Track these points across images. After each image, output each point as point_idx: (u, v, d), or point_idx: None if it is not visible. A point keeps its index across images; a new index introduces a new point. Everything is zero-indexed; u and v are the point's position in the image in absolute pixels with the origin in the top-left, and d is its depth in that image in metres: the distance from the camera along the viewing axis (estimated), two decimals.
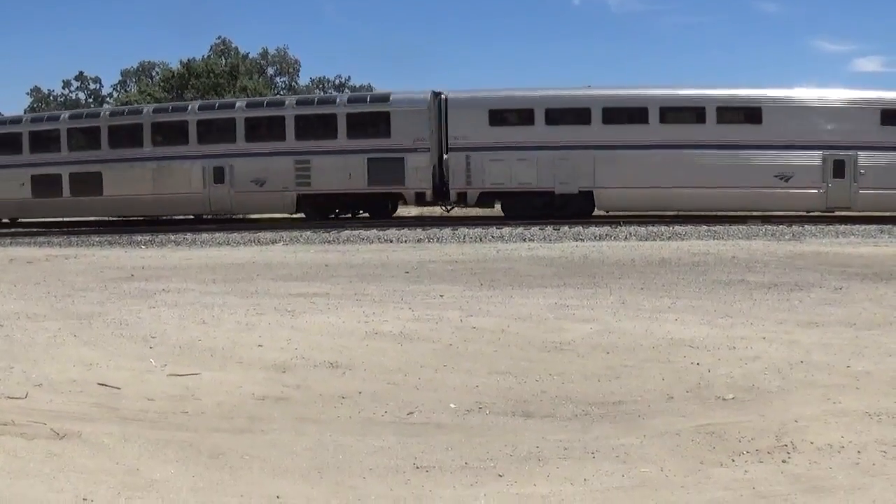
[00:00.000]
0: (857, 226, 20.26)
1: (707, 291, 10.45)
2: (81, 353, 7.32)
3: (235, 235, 20.96)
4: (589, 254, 15.49)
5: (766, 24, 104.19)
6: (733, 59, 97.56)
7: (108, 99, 70.04)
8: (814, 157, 22.07)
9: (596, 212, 23.74)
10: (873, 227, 20.00)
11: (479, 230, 20.38)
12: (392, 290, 10.96)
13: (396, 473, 4.53)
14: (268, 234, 20.84)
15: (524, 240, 18.83)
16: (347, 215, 25.65)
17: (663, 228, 19.94)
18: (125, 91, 68.17)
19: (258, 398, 5.96)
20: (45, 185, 26.54)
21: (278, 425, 5.35)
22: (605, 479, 4.39)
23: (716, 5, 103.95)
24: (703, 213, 24.02)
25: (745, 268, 12.91)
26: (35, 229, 26.03)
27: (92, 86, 72.95)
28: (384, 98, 24.91)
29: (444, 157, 23.93)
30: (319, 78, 69.82)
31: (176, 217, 28.17)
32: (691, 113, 22.85)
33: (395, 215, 26.20)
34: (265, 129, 25.28)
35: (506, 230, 20.25)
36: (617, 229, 20.00)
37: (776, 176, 22.14)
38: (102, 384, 6.29)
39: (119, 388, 6.19)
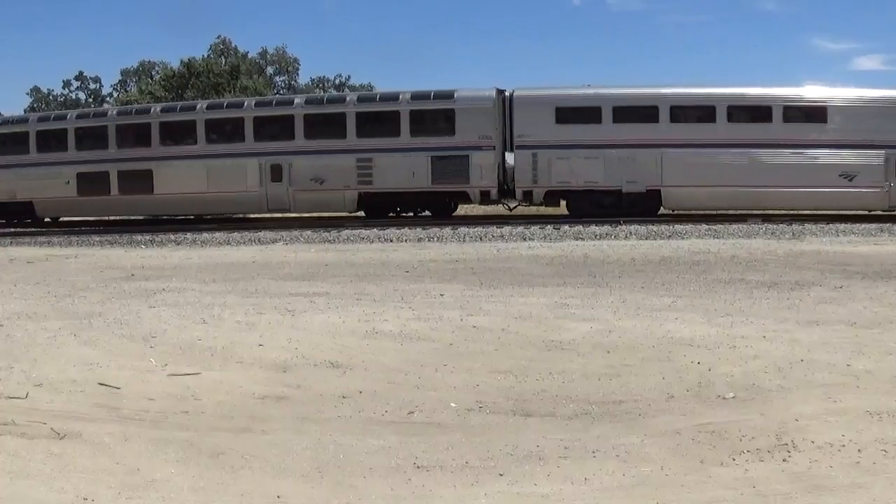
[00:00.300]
0: (858, 224, 20.23)
1: (707, 290, 10.45)
2: (82, 353, 7.32)
3: (236, 235, 20.96)
4: (589, 253, 15.49)
5: (766, 23, 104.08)
6: (733, 58, 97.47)
7: (108, 99, 70.02)
8: (877, 157, 21.95)
9: (662, 211, 23.38)
10: (873, 225, 19.98)
11: (479, 229, 20.38)
12: (392, 289, 10.96)
13: (397, 473, 4.53)
14: (268, 234, 20.84)
15: (524, 239, 18.83)
16: (409, 214, 25.15)
17: (663, 227, 19.93)
18: (125, 91, 68.16)
19: (258, 398, 5.96)
20: (91, 183, 25.86)
21: (279, 425, 5.35)
22: (606, 478, 4.39)
23: (715, 4, 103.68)
24: (701, 213, 24.05)
25: (745, 267, 12.90)
26: (35, 229, 26.03)
27: (92, 86, 72.96)
28: (448, 95, 24.25)
29: (509, 155, 23.64)
30: (319, 77, 69.86)
31: (177, 217, 28.02)
32: (758, 112, 22.64)
33: (454, 214, 25.69)
34: (325, 126, 24.75)
35: (506, 229, 20.24)
36: (617, 228, 19.98)
37: (841, 175, 21.96)
38: (103, 384, 6.29)
39: (119, 388, 6.19)
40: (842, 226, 20.02)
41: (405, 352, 7.26)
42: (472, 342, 7.56)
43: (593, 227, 20.23)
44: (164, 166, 25.50)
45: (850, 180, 21.97)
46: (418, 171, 23.75)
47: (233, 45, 64.62)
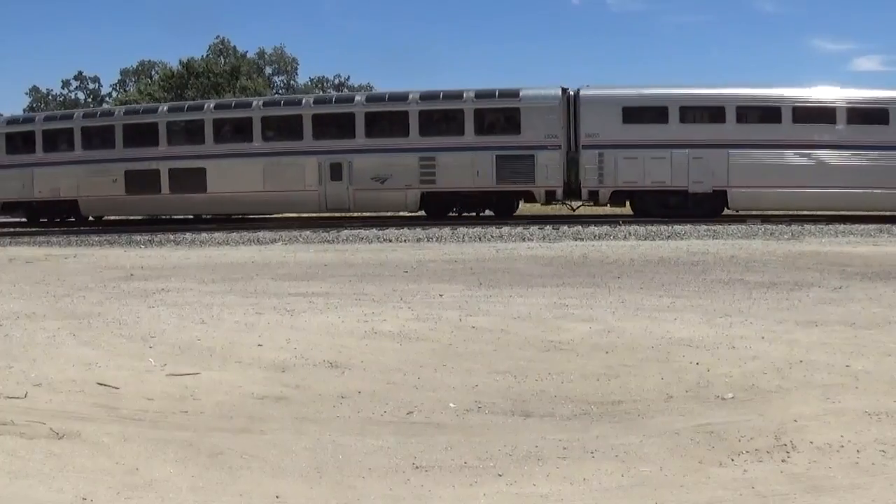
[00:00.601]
0: (857, 225, 20.26)
1: (706, 291, 10.46)
2: (81, 353, 7.31)
3: (234, 235, 20.95)
4: (588, 253, 15.50)
5: (765, 24, 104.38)
6: (733, 58, 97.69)
7: (107, 99, 70.03)
8: None
9: (727, 211, 23.38)
10: (872, 226, 20.01)
11: (478, 229, 20.38)
12: (391, 289, 10.96)
13: (396, 473, 4.53)
14: (267, 234, 20.84)
15: (523, 239, 18.83)
16: (472, 214, 24.96)
17: (662, 228, 19.94)
18: (124, 91, 68.17)
19: (257, 398, 5.96)
20: (140, 182, 25.56)
21: (278, 425, 5.35)
22: (605, 478, 4.39)
23: (715, 4, 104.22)
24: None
25: (744, 267, 12.91)
26: (35, 229, 25.98)
27: (91, 86, 72.97)
28: (513, 94, 24.02)
29: (574, 154, 23.51)
30: (319, 77, 69.90)
31: (176, 217, 27.93)
32: (822, 113, 22.66)
33: (515, 214, 25.46)
34: (387, 124, 24.59)
35: (505, 230, 20.25)
36: (616, 229, 20.00)
37: None
38: (102, 384, 6.28)
39: (118, 388, 6.18)
40: (841, 226, 20.04)
41: (404, 352, 7.26)
42: (471, 342, 7.56)
43: (592, 228, 20.25)
44: (217, 164, 25.07)
45: None
46: (483, 171, 23.58)
47: (231, 45, 64.69)
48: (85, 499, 4.18)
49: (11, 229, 25.56)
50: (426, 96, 24.62)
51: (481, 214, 24.96)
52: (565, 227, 20.42)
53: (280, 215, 27.20)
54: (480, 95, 24.13)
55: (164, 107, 27.69)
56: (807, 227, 20.09)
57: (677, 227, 19.95)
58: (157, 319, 8.90)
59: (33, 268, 15.08)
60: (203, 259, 16.01)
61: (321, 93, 57.05)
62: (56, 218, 27.38)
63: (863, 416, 5.20)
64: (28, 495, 4.24)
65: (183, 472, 4.54)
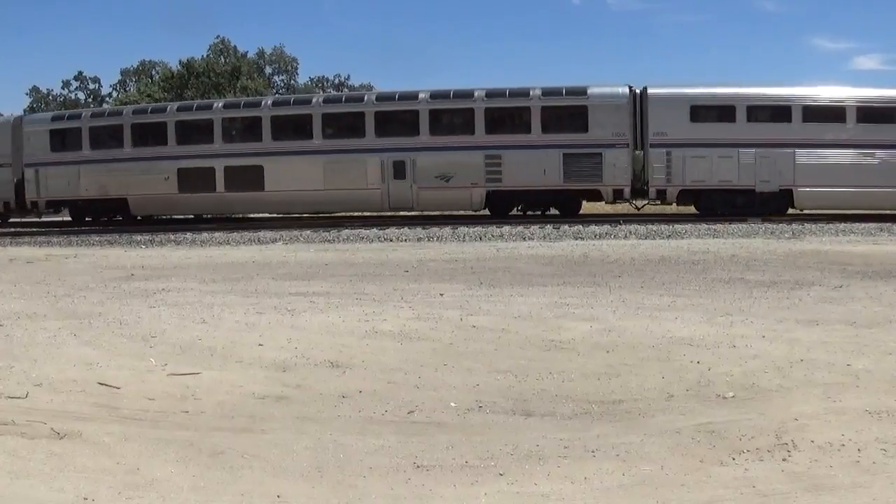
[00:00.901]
0: (857, 224, 20.27)
1: (707, 290, 10.45)
2: (81, 353, 7.32)
3: (235, 235, 20.96)
4: (589, 252, 15.49)
5: (766, 23, 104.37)
6: (733, 58, 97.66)
7: (107, 99, 70.03)
8: None
9: (792, 211, 23.40)
10: (873, 225, 20.01)
11: (478, 229, 20.38)
12: (392, 289, 10.97)
13: (397, 472, 4.53)
14: (267, 234, 20.84)
15: (524, 238, 18.83)
16: (537, 213, 24.73)
17: (663, 227, 19.95)
18: (125, 91, 68.18)
19: (258, 397, 5.96)
20: (194, 180, 25.03)
21: (279, 424, 5.35)
22: (606, 477, 4.39)
23: (715, 4, 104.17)
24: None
25: (744, 266, 12.91)
26: (35, 228, 25.97)
27: (91, 86, 72.98)
28: (581, 91, 23.81)
29: (639, 153, 23.43)
30: (319, 77, 69.92)
31: (176, 217, 27.84)
32: (885, 114, 22.77)
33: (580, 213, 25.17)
34: (452, 121, 24.35)
35: (505, 229, 20.25)
36: (617, 228, 20.00)
37: None
38: (102, 384, 6.29)
39: (119, 388, 6.18)
40: (841, 225, 20.05)
41: (405, 351, 7.26)
42: (472, 342, 7.56)
43: (593, 227, 20.25)
44: (276, 162, 24.63)
45: None
46: (550, 169, 23.39)
47: (232, 45, 64.69)
48: (86, 499, 4.18)
49: (12, 229, 25.56)
50: (492, 94, 24.29)
51: (546, 213, 24.80)
52: (566, 227, 20.42)
53: (281, 215, 27.08)
54: (547, 93, 23.93)
55: (219, 103, 27.11)
56: (807, 225, 20.09)
57: (678, 226, 19.96)
58: (157, 319, 8.91)
59: (34, 268, 15.08)
60: (204, 259, 16.01)
61: (322, 92, 57.04)
62: (103, 217, 26.82)
63: (864, 415, 5.20)
64: (29, 495, 4.24)
65: (184, 472, 4.54)
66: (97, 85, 72.95)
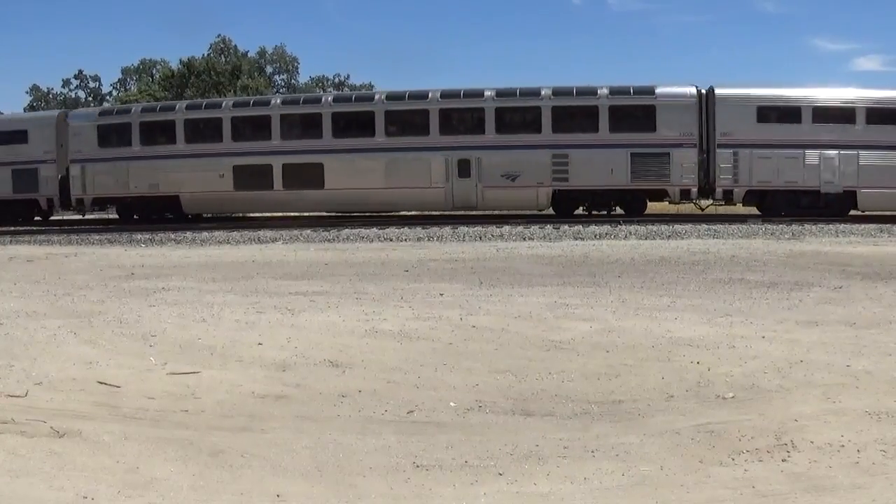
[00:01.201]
0: (857, 225, 20.28)
1: (707, 290, 10.45)
2: (81, 352, 7.32)
3: (235, 234, 20.95)
4: (589, 252, 15.49)
5: (766, 23, 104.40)
6: (733, 58, 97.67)
7: (107, 97, 70.04)
8: None
9: (854, 212, 23.38)
10: (873, 226, 20.01)
11: (478, 229, 20.38)
12: (392, 288, 10.97)
13: (396, 472, 4.53)
14: (268, 233, 20.83)
15: (524, 238, 18.83)
16: (602, 212, 24.49)
17: (663, 227, 19.94)
18: (125, 90, 68.19)
19: (258, 397, 5.96)
20: (251, 177, 24.56)
21: (278, 424, 5.35)
22: (605, 477, 4.39)
23: (715, 4, 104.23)
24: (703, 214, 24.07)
25: (744, 267, 12.91)
26: (35, 228, 25.95)
27: (91, 84, 72.98)
28: (649, 91, 23.69)
29: (707, 153, 23.34)
30: (319, 76, 69.94)
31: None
32: None
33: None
34: (518, 120, 24.10)
35: (505, 229, 20.25)
36: (617, 228, 20.00)
37: None
38: (102, 382, 6.29)
39: (119, 387, 6.19)
40: (841, 226, 20.04)
41: (405, 351, 7.27)
42: (472, 342, 7.56)
43: (593, 227, 20.24)
44: (336, 160, 24.30)
45: None
46: (617, 168, 23.25)
47: (233, 44, 64.71)
48: (86, 497, 4.18)
49: (12, 228, 25.52)
50: (559, 92, 24.04)
51: (612, 214, 24.54)
52: (566, 227, 20.41)
53: (282, 215, 26.98)
54: (615, 92, 23.78)
55: (277, 99, 26.54)
56: (807, 226, 20.09)
57: (678, 227, 19.96)
58: (157, 318, 8.91)
59: (34, 266, 15.08)
60: (204, 258, 16.01)
61: (320, 91, 57.01)
62: (153, 215, 26.27)
63: (863, 416, 5.21)
64: (29, 494, 4.24)
65: (183, 471, 4.54)
66: (97, 83, 73.04)
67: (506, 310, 9.14)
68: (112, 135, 26.21)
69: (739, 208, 24.83)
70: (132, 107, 29.36)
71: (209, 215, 27.48)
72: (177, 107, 27.28)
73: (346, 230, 21.07)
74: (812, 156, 22.75)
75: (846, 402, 5.52)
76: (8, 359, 7.02)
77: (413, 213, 26.26)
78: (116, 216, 27.77)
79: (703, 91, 23.68)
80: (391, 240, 19.14)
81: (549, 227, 20.31)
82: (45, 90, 72.29)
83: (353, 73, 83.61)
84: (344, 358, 7.01)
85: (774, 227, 20.00)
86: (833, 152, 22.66)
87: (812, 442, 4.78)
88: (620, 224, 20.68)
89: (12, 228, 25.17)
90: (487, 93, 24.30)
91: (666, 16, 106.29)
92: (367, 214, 25.38)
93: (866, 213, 23.32)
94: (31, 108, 66.56)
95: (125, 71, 71.27)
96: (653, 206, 25.50)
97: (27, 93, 72.49)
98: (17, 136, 26.91)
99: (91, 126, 26.45)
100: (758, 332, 7.67)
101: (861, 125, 22.73)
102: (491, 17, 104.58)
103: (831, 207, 22.73)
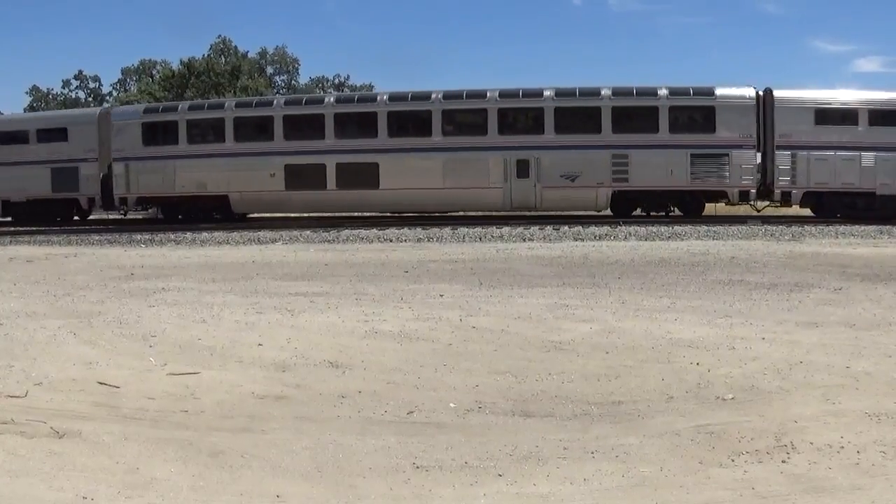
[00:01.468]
0: (857, 226, 20.29)
1: (707, 291, 10.46)
2: (81, 352, 7.32)
3: (235, 234, 20.95)
4: (589, 253, 15.50)
5: (767, 25, 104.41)
6: (733, 60, 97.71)
7: (107, 98, 70.02)
8: None
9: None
10: (873, 227, 20.03)
11: (478, 229, 20.39)
12: (392, 289, 10.97)
13: (396, 473, 4.53)
14: (267, 234, 20.84)
15: (524, 239, 18.83)
16: (660, 213, 24.45)
17: (663, 228, 19.95)
18: (125, 90, 68.20)
19: (258, 397, 5.96)
20: (303, 177, 24.29)
21: (278, 424, 5.35)
22: (605, 478, 4.40)
23: (716, 5, 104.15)
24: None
25: (744, 268, 12.91)
26: (35, 228, 25.91)
27: (91, 85, 72.98)
28: (708, 92, 23.73)
29: (761, 154, 23.39)
30: (319, 77, 69.96)
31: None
32: None
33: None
34: (578, 120, 23.97)
35: (505, 230, 20.26)
36: (617, 229, 20.01)
37: None
38: (102, 383, 6.29)
39: (119, 387, 6.19)
40: (841, 227, 20.06)
41: (404, 352, 7.27)
42: (472, 342, 7.56)
43: (593, 228, 20.26)
44: (392, 159, 24.07)
45: None
46: (676, 169, 23.26)
47: (233, 44, 64.71)
48: (85, 498, 4.18)
49: (12, 228, 25.49)
50: (619, 92, 24.03)
51: (669, 214, 24.54)
52: (566, 228, 20.43)
53: (282, 215, 26.88)
54: (675, 93, 23.79)
55: (331, 97, 26.28)
56: (807, 228, 20.11)
57: (677, 228, 19.96)
58: (157, 319, 8.91)
59: (34, 267, 15.08)
60: (203, 258, 16.01)
61: (320, 92, 56.97)
62: (200, 214, 25.90)
63: (863, 418, 5.21)
64: (28, 494, 4.24)
65: (183, 472, 4.54)
66: (97, 84, 72.99)
67: (506, 311, 9.14)
68: (158, 132, 25.86)
69: (798, 210, 24.95)
70: (179, 104, 28.96)
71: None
72: (226, 104, 26.86)
73: (346, 231, 21.07)
74: (868, 158, 22.82)
75: (846, 403, 5.52)
76: (8, 359, 7.02)
77: (474, 213, 26.15)
78: (160, 216, 27.22)
79: (761, 92, 23.74)
80: (391, 240, 19.15)
81: (548, 229, 20.32)
82: (45, 91, 72.28)
83: (353, 75, 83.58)
84: (344, 359, 7.01)
85: (774, 228, 20.01)
86: (889, 154, 22.71)
87: (812, 443, 4.78)
88: (620, 225, 20.69)
89: (11, 229, 25.13)
90: (547, 92, 24.22)
91: (666, 17, 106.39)
92: (421, 214, 25.27)
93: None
94: (30, 108, 66.52)
95: (125, 71, 71.29)
96: (709, 208, 25.65)
97: (27, 93, 72.52)
98: (56, 133, 26.45)
99: (135, 124, 26.01)
100: (758, 334, 7.67)
101: None
102: (491, 19, 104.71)
103: (887, 209, 22.77)
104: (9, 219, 27.26)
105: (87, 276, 13.34)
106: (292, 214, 27.25)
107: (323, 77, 69.94)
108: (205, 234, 21.41)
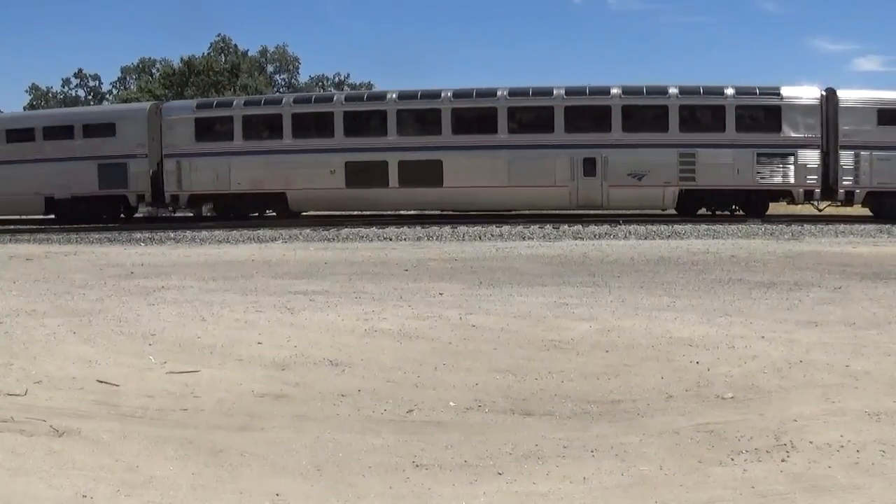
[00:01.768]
0: (857, 225, 20.29)
1: (706, 290, 10.46)
2: (81, 350, 7.32)
3: (235, 233, 20.94)
4: (588, 252, 15.49)
5: (766, 24, 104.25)
6: (733, 59, 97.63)
7: (107, 97, 70.00)
8: None
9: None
10: (872, 226, 20.03)
11: (478, 228, 20.38)
12: (391, 288, 10.97)
13: (396, 471, 4.53)
14: (267, 232, 20.83)
15: (524, 238, 18.83)
16: (725, 213, 24.18)
17: (663, 227, 19.94)
18: (125, 88, 68.16)
19: (257, 396, 5.96)
20: (364, 174, 23.85)
21: (277, 423, 5.35)
22: (605, 477, 4.40)
23: (716, 4, 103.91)
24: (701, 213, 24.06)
25: (744, 267, 12.91)
26: (35, 226, 25.90)
27: (91, 83, 72.94)
28: (774, 91, 23.55)
29: (824, 154, 23.27)
30: (319, 76, 69.95)
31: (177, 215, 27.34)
32: None
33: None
34: (645, 118, 23.81)
35: (505, 228, 20.25)
36: (616, 228, 20.01)
37: None
38: (102, 381, 6.29)
39: (118, 386, 6.19)
40: (841, 226, 20.05)
41: (404, 350, 7.27)
42: (471, 341, 7.56)
43: (592, 227, 20.25)
44: (456, 157, 23.75)
45: None
46: (743, 168, 23.10)
47: (233, 43, 64.67)
48: (85, 496, 4.18)
49: (12, 227, 25.47)
50: (685, 91, 23.81)
51: (734, 213, 24.26)
52: (565, 227, 20.41)
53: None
54: (741, 92, 23.65)
55: (393, 94, 25.50)
56: (807, 227, 20.11)
57: (677, 227, 19.95)
58: (157, 317, 8.91)
59: (33, 265, 15.07)
60: (203, 257, 16.01)
61: (321, 91, 56.94)
62: (255, 212, 25.44)
63: (862, 416, 5.21)
64: (28, 492, 4.24)
65: (183, 470, 4.54)
66: (97, 82, 72.94)
67: (505, 309, 9.14)
68: (212, 128, 25.37)
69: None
70: (234, 99, 28.41)
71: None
72: (283, 100, 26.36)
73: (346, 229, 21.07)
74: None
75: (845, 402, 5.52)
76: (7, 357, 7.02)
77: (541, 212, 25.52)
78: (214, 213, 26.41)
79: (824, 93, 23.69)
80: (391, 239, 19.15)
81: (548, 227, 20.32)
82: (45, 89, 72.23)
83: (353, 74, 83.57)
84: (343, 357, 7.01)
85: (774, 227, 20.00)
86: None
87: (811, 442, 4.78)
88: (620, 224, 20.68)
89: (11, 227, 25.12)
90: (614, 90, 24.02)
91: (666, 16, 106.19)
92: (485, 213, 24.75)
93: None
94: (30, 107, 66.41)
95: (124, 70, 71.25)
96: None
97: (27, 91, 72.46)
98: (103, 128, 25.73)
99: (188, 119, 25.46)
100: (757, 333, 7.67)
101: None
102: (491, 18, 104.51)
103: None
104: (52, 216, 26.63)
105: (86, 274, 13.33)
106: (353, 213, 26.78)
107: (323, 76, 69.97)
108: (204, 233, 21.40)
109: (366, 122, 24.76)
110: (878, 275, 11.86)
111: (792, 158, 23.14)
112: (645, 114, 23.93)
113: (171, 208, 26.61)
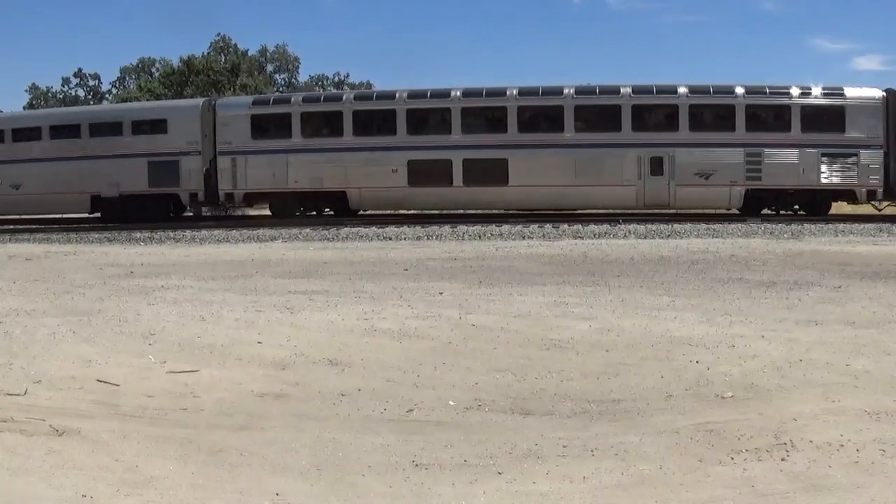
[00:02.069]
0: (857, 224, 20.29)
1: (706, 289, 10.46)
2: (80, 350, 7.31)
3: (234, 233, 20.94)
4: (588, 251, 15.49)
5: (766, 23, 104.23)
6: (733, 58, 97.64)
7: (107, 96, 69.99)
8: None
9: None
10: (872, 225, 20.03)
11: (478, 228, 20.38)
12: (391, 287, 10.96)
13: (395, 471, 4.53)
14: (267, 232, 20.83)
15: (523, 237, 18.82)
16: (788, 213, 24.14)
17: (662, 227, 19.94)
18: (124, 88, 68.13)
19: (257, 395, 5.96)
20: (427, 173, 23.63)
21: (277, 422, 5.35)
22: (605, 476, 4.40)
23: (716, 4, 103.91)
24: (701, 212, 24.05)
25: (744, 266, 12.91)
26: (35, 226, 25.88)
27: (91, 83, 72.91)
28: (838, 92, 23.61)
29: (886, 154, 23.21)
30: (318, 75, 69.95)
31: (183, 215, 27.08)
32: None
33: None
34: (712, 117, 23.83)
35: (505, 228, 20.25)
36: (616, 227, 20.00)
37: None
38: (101, 381, 6.29)
39: (118, 385, 6.18)
40: (841, 226, 20.06)
41: (404, 350, 7.26)
42: (471, 340, 7.56)
43: (592, 226, 20.25)
44: (522, 155, 23.57)
45: None
46: (807, 168, 23.15)
47: (233, 42, 64.65)
48: (84, 496, 4.18)
49: (11, 227, 25.44)
50: (752, 90, 23.81)
51: (797, 213, 24.25)
52: (565, 226, 20.41)
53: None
54: (805, 93, 23.71)
55: (457, 92, 25.13)
56: (806, 226, 20.10)
57: (677, 226, 19.95)
58: (156, 317, 8.90)
59: (33, 265, 15.07)
60: (203, 256, 16.00)
61: (323, 90, 56.92)
62: (313, 211, 25.02)
63: (862, 416, 5.21)
64: (27, 492, 4.24)
65: (183, 470, 4.54)
66: (97, 82, 72.90)
67: (505, 309, 9.14)
68: (269, 125, 25.03)
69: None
70: (291, 96, 28.10)
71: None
72: (344, 97, 26.17)
73: (346, 229, 21.06)
74: None
75: (845, 401, 5.52)
76: (7, 357, 7.01)
77: (600, 210, 25.31)
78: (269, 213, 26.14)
79: (884, 93, 23.69)
80: (390, 238, 19.14)
81: (548, 227, 20.31)
82: (45, 89, 72.21)
83: (353, 73, 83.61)
84: (343, 357, 7.01)
85: (774, 226, 20.00)
86: None
87: (811, 441, 4.78)
88: (619, 223, 20.68)
89: (11, 227, 25.07)
90: (681, 89, 23.97)
91: (666, 15, 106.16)
92: (549, 212, 24.66)
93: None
94: (30, 106, 66.40)
95: (124, 70, 71.22)
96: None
97: (26, 91, 72.42)
98: (154, 125, 25.41)
99: (244, 116, 25.07)
100: (757, 332, 7.67)
101: None
102: (491, 18, 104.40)
103: None
104: (97, 215, 26.16)
105: (86, 273, 13.33)
106: (413, 211, 26.42)
107: (322, 75, 69.97)
108: (204, 233, 21.39)
109: (429, 119, 24.59)
110: (878, 274, 11.86)
111: (855, 158, 23.13)
112: (712, 113, 23.93)
113: (224, 207, 26.24)
